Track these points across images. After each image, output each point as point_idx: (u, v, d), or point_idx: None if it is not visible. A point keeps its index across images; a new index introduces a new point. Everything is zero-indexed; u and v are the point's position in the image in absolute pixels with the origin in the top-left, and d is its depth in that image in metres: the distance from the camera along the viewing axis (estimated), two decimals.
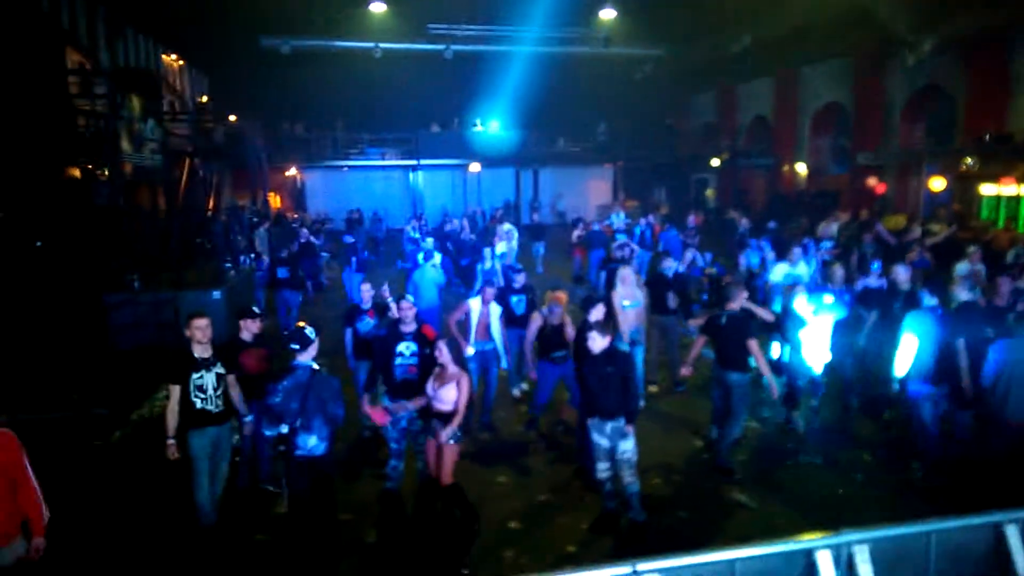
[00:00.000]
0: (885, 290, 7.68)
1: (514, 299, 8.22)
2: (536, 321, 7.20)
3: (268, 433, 4.88)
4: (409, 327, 6.11)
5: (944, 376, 6.04)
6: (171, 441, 5.11)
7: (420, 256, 10.73)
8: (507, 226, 16.21)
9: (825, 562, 3.09)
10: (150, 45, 21.37)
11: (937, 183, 18.64)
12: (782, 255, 10.01)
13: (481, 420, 7.64)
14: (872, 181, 21.21)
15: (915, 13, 17.41)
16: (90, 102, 12.35)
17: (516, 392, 8.54)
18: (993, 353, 5.58)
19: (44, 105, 11.05)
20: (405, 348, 6.01)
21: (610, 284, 9.71)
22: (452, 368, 5.32)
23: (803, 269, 9.36)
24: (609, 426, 5.42)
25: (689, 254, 10.86)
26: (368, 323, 7.01)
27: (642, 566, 2.94)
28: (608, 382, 5.35)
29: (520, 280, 8.35)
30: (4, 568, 3.72)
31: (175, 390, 5.13)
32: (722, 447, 6.56)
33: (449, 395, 5.28)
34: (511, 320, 8.16)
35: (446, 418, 5.29)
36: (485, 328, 7.53)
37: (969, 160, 16.85)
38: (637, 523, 5.51)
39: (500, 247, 12.82)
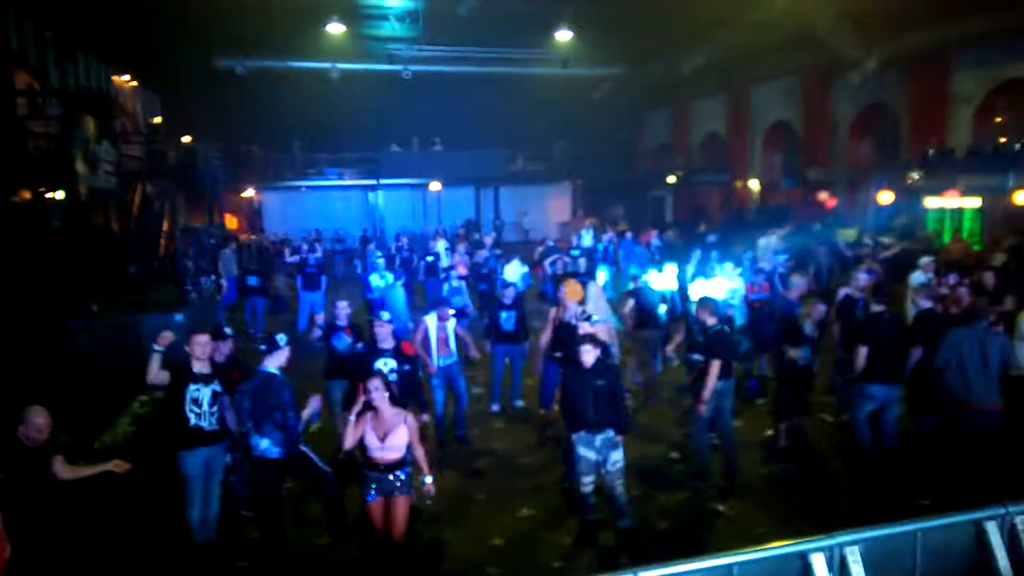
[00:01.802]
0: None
1: (503, 315, 8.18)
2: (552, 315, 7.37)
3: (232, 429, 5.24)
4: (387, 343, 6.06)
5: (898, 377, 6.38)
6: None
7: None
8: (443, 243, 16.28)
9: (819, 564, 3.17)
10: (101, 66, 20.89)
11: (885, 197, 19.36)
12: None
13: (456, 434, 7.61)
14: (823, 196, 21.91)
15: (859, 34, 18.15)
16: (42, 123, 12.00)
17: (495, 407, 8.52)
18: (946, 342, 5.85)
19: None
20: (383, 364, 5.97)
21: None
22: (389, 411, 4.72)
23: (738, 283, 9.59)
24: (599, 439, 5.42)
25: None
26: (345, 340, 6.93)
27: (644, 574, 2.97)
28: (599, 395, 5.37)
29: (510, 295, 8.31)
30: None
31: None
32: (735, 454, 6.68)
33: (399, 440, 4.71)
34: (500, 336, 8.15)
35: (396, 466, 4.74)
36: (445, 343, 7.52)
37: (914, 174, 17.56)
38: (625, 531, 5.52)
39: (511, 270, 12.56)
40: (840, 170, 21.52)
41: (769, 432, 7.48)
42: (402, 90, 25.00)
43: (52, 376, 7.70)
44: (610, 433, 5.42)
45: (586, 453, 5.47)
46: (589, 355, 5.44)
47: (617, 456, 5.45)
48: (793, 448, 7.16)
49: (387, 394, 4.69)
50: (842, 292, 8.34)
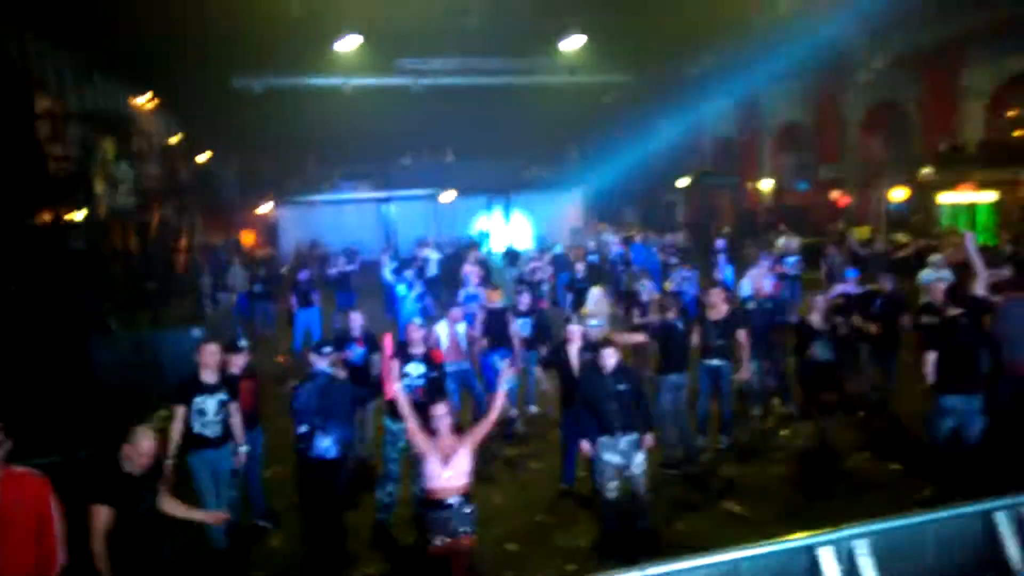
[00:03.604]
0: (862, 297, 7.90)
1: (519, 321, 8.21)
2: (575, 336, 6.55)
3: (298, 432, 5.33)
4: (418, 349, 6.12)
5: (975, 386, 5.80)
6: (168, 462, 5.09)
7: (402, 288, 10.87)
8: (429, 251, 16.30)
9: (827, 558, 3.18)
10: (118, 87, 21.29)
11: (897, 194, 19.24)
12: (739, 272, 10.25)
13: None
14: (835, 195, 21.83)
15: (868, 32, 18.11)
16: (62, 146, 12.29)
17: (511, 412, 8.56)
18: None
19: (13, 150, 10.98)
20: (413, 368, 6.01)
21: (578, 304, 9.97)
22: (450, 437, 4.45)
23: (767, 284, 9.54)
24: (624, 441, 5.41)
25: (678, 273, 11.00)
26: (358, 352, 7.01)
27: (652, 570, 3.01)
28: (622, 398, 5.40)
29: (525, 302, 8.36)
30: None
31: (179, 411, 5.26)
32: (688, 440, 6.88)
33: (463, 464, 4.40)
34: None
35: (460, 501, 4.36)
36: (457, 348, 7.56)
37: (926, 170, 17.46)
38: (644, 532, 5.54)
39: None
40: (852, 168, 21.43)
41: (783, 432, 7.48)
42: (413, 103, 25.27)
43: (72, 392, 7.86)
44: (634, 435, 5.42)
45: (610, 457, 5.44)
46: (611, 359, 5.43)
47: (640, 458, 5.46)
48: (815, 449, 7.10)
49: (449, 421, 4.48)
50: (838, 289, 8.34)
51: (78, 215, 11.55)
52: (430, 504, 4.37)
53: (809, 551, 3.20)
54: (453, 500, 4.36)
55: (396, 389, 4.79)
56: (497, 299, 8.34)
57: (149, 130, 24.41)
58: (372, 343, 7.14)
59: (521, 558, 5.56)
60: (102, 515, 3.78)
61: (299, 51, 21.40)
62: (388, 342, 5.60)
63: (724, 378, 7.22)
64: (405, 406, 4.65)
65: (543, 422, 8.35)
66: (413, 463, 5.84)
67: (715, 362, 7.15)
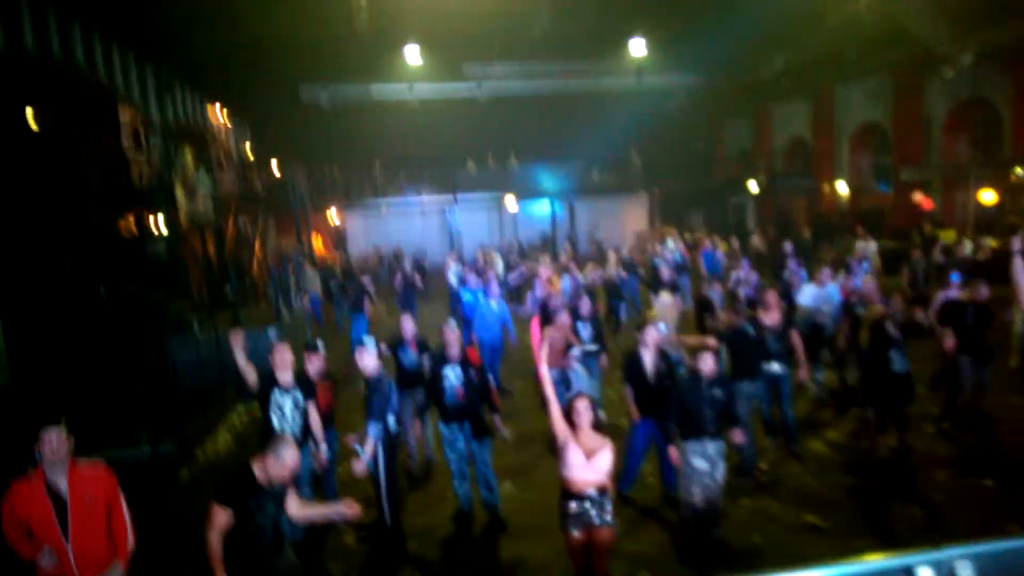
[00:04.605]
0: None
1: (578, 325, 8.14)
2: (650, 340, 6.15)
3: (374, 436, 5.33)
4: (453, 352, 6.15)
5: None
6: None
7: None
8: (492, 257, 16.38)
9: None
10: (196, 98, 22.22)
11: (986, 196, 18.21)
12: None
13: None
14: (917, 197, 20.81)
15: (953, 25, 17.24)
16: (145, 155, 12.88)
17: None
18: None
19: (102, 160, 11.57)
20: (451, 372, 6.07)
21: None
22: (590, 433, 4.35)
23: (832, 290, 9.14)
24: (712, 447, 5.32)
25: (742, 273, 10.68)
26: (410, 355, 7.07)
27: None
28: (716, 404, 5.33)
29: (586, 306, 8.26)
30: None
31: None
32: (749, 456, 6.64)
33: (604, 463, 4.31)
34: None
35: (596, 494, 4.32)
36: (560, 353, 7.54)
37: (1019, 171, 16.45)
38: (717, 543, 5.43)
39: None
40: (935, 169, 20.39)
41: (861, 442, 7.15)
42: (476, 109, 25.49)
43: (156, 390, 8.18)
44: (722, 442, 5.36)
45: (700, 463, 5.33)
46: (708, 363, 5.35)
47: (723, 466, 5.38)
48: (896, 460, 6.75)
49: (591, 415, 4.38)
50: (941, 296, 7.90)
51: (160, 221, 12.08)
52: (567, 495, 4.34)
53: (907, 571, 2.99)
54: (591, 492, 4.30)
55: (543, 373, 4.68)
56: (557, 291, 8.41)
57: (224, 140, 25.40)
58: (423, 347, 7.18)
59: None
60: (221, 517, 3.78)
61: (364, 61, 21.87)
62: (535, 328, 5.53)
63: (783, 383, 6.97)
64: (550, 391, 4.59)
65: (610, 428, 8.20)
66: (473, 463, 5.99)
67: (773, 368, 6.88)
